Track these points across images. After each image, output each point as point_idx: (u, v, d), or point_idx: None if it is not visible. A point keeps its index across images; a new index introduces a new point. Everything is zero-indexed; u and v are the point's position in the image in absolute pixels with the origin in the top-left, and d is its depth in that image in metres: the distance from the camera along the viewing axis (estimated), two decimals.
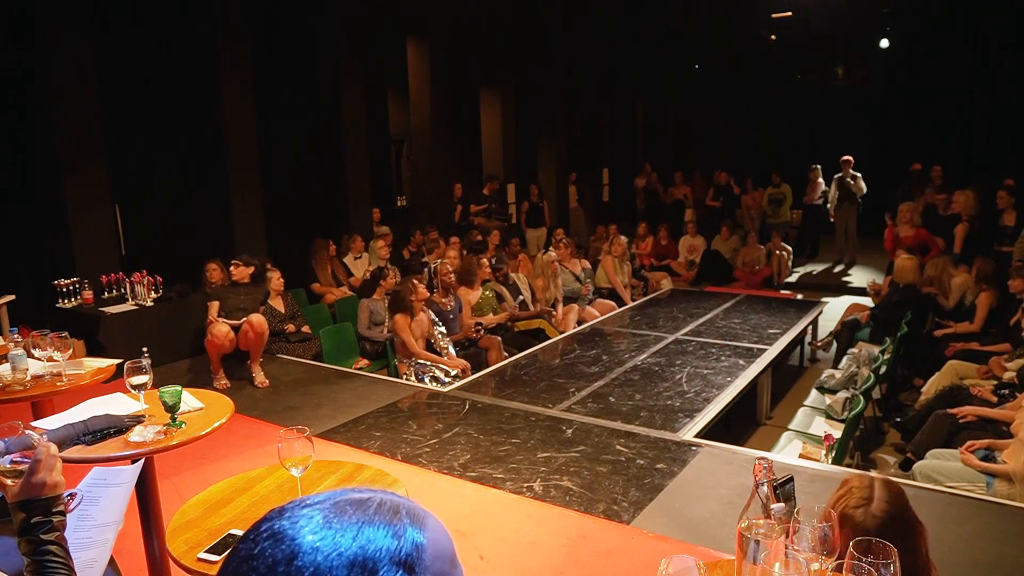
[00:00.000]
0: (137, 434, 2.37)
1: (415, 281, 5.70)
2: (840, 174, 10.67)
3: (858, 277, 10.22)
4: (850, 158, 10.66)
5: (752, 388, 5.37)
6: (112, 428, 2.38)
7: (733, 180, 12.03)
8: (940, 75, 12.74)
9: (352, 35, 8.57)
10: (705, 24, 13.32)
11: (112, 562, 2.03)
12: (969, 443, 4.03)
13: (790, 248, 10.45)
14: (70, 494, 1.52)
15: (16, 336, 3.03)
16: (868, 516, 1.63)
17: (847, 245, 11.01)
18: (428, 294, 5.87)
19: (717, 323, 6.92)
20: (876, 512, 1.63)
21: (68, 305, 5.93)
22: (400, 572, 0.59)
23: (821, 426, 4.94)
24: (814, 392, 5.75)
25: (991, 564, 2.96)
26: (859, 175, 10.64)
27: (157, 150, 7.31)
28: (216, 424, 2.49)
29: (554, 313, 7.27)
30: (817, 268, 11.11)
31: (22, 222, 6.36)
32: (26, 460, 1.44)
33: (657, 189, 13.05)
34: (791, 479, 1.67)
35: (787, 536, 1.37)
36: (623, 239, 8.79)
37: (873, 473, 1.78)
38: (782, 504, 1.57)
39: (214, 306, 5.40)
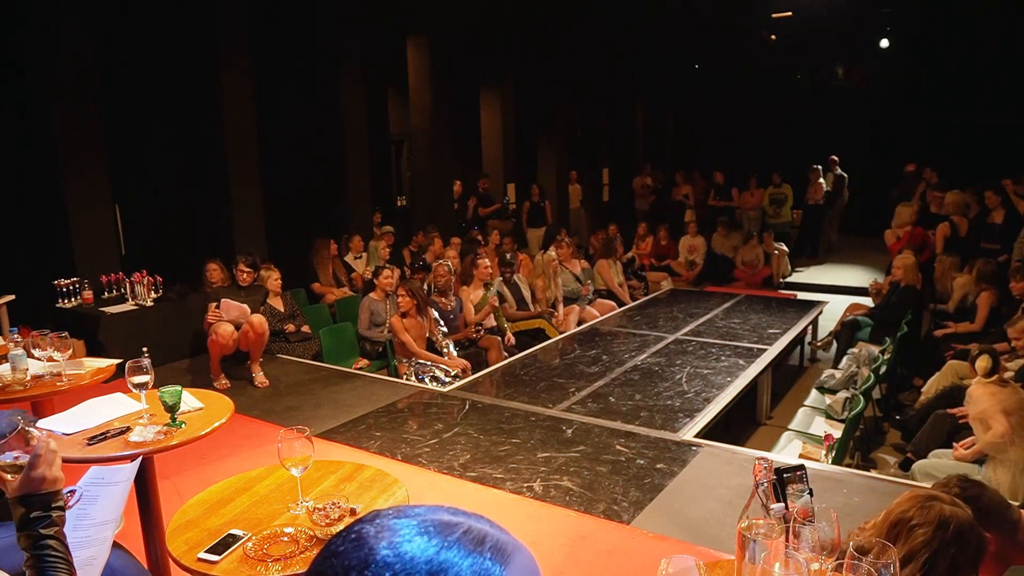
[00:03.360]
0: (137, 434, 2.38)
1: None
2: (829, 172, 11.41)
3: (858, 277, 10.23)
4: (835, 157, 11.45)
5: (752, 388, 5.37)
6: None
7: (724, 179, 12.16)
8: (940, 75, 12.74)
9: (352, 35, 8.57)
10: (705, 24, 13.31)
11: (127, 551, 2.04)
12: (963, 443, 4.08)
13: (783, 245, 10.44)
14: (70, 491, 1.53)
15: (16, 336, 3.03)
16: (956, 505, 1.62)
17: (828, 238, 11.78)
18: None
19: (717, 323, 6.92)
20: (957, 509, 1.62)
21: (68, 305, 5.92)
22: None
23: (821, 426, 4.94)
24: (814, 392, 5.75)
25: None
26: (845, 175, 11.48)
27: (157, 150, 7.31)
28: (216, 424, 2.49)
29: (555, 313, 7.27)
30: (819, 268, 11.12)
31: (22, 222, 6.36)
32: (26, 455, 1.44)
33: (660, 189, 13.07)
34: (802, 467, 1.65)
35: (794, 522, 1.37)
36: (619, 238, 8.85)
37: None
38: (782, 504, 1.57)
39: (212, 308, 5.39)
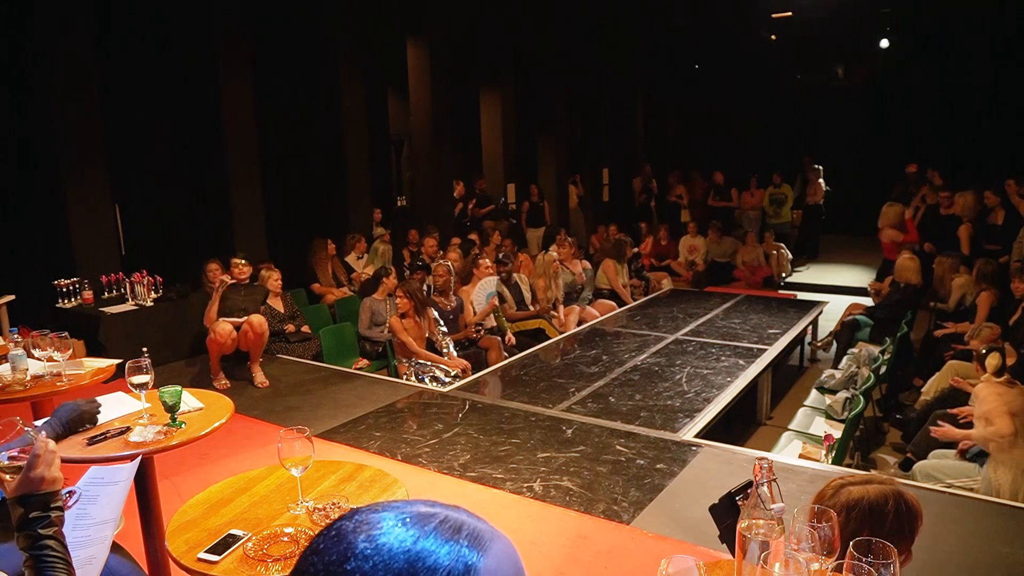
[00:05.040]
0: (137, 434, 2.38)
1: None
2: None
3: (858, 277, 10.23)
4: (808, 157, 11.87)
5: (752, 388, 5.37)
6: (78, 414, 2.38)
7: (724, 180, 12.17)
8: (940, 75, 12.74)
9: (352, 35, 8.56)
10: (706, 24, 13.31)
11: (125, 552, 2.04)
12: (963, 443, 4.08)
13: (783, 246, 10.45)
14: (68, 491, 1.53)
15: (16, 336, 3.03)
16: (862, 492, 1.63)
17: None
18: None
19: (717, 323, 6.92)
20: (873, 493, 1.63)
21: (68, 305, 5.92)
22: None
23: (821, 426, 4.94)
24: (814, 392, 5.75)
25: (991, 564, 2.95)
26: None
27: (157, 150, 7.31)
28: (216, 424, 2.49)
29: (555, 314, 7.27)
30: (819, 268, 11.13)
31: (22, 222, 6.36)
32: (24, 456, 1.44)
33: (651, 189, 13.07)
34: (750, 483, 1.66)
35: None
36: (630, 240, 8.87)
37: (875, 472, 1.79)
38: (782, 504, 1.57)
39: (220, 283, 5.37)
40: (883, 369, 5.42)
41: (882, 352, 5.73)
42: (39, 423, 2.40)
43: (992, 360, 4.17)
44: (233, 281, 5.45)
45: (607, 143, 14.07)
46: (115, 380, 2.99)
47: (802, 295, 9.04)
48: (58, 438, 2.30)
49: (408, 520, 0.63)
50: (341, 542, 0.62)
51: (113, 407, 2.59)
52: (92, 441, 2.34)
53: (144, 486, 2.52)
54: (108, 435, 2.38)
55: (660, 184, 13.32)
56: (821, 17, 12.16)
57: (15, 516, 1.39)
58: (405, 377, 5.54)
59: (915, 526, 1.64)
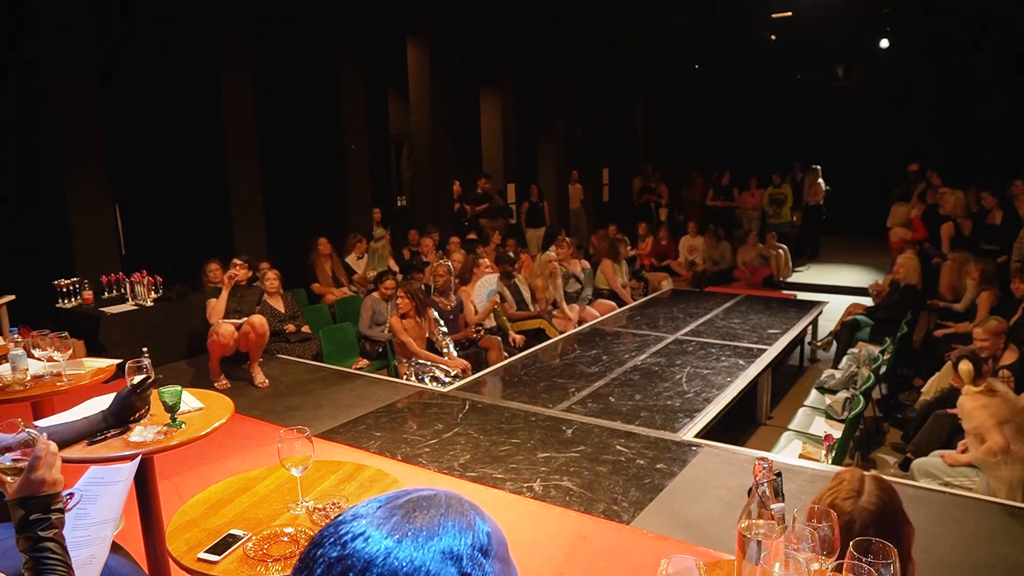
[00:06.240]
0: (137, 434, 2.38)
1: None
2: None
3: (858, 277, 10.23)
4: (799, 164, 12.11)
5: (752, 388, 5.37)
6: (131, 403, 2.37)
7: (729, 180, 12.18)
8: (940, 75, 12.75)
9: (352, 35, 8.57)
10: (706, 24, 13.31)
11: (125, 552, 2.04)
12: (961, 446, 4.07)
13: (783, 246, 10.44)
14: (68, 494, 1.53)
15: (16, 336, 3.03)
16: (857, 508, 1.62)
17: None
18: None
19: (717, 323, 6.92)
20: (865, 504, 1.62)
21: (68, 305, 5.92)
22: (479, 556, 0.65)
23: (821, 426, 4.94)
24: (814, 392, 5.75)
25: (991, 564, 2.95)
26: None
27: (157, 150, 7.32)
28: (216, 424, 2.48)
29: (555, 313, 7.27)
30: (819, 268, 11.13)
31: (22, 222, 6.36)
32: (26, 457, 1.44)
33: (652, 188, 13.09)
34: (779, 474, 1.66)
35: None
36: (626, 240, 8.86)
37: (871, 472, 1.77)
38: (782, 504, 1.57)
39: (212, 304, 5.38)
40: (883, 369, 5.42)
41: (882, 352, 5.73)
42: (47, 423, 2.39)
43: (964, 366, 4.10)
44: (238, 280, 5.45)
45: (607, 143, 14.07)
46: (115, 380, 2.99)
47: (802, 295, 9.04)
48: (111, 426, 2.31)
49: (424, 503, 0.67)
50: (372, 541, 0.62)
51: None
52: (92, 441, 2.34)
53: (144, 486, 2.52)
54: (108, 435, 2.38)
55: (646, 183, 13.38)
56: (821, 17, 12.15)
57: (16, 518, 1.39)
58: (405, 377, 5.54)
59: (901, 542, 1.63)
